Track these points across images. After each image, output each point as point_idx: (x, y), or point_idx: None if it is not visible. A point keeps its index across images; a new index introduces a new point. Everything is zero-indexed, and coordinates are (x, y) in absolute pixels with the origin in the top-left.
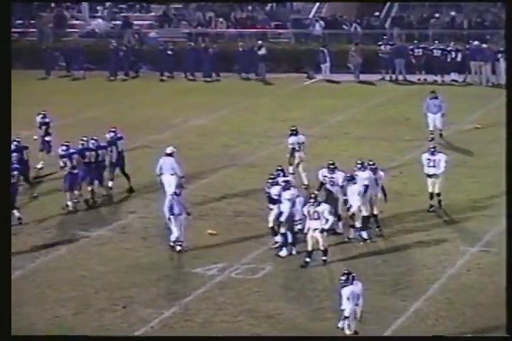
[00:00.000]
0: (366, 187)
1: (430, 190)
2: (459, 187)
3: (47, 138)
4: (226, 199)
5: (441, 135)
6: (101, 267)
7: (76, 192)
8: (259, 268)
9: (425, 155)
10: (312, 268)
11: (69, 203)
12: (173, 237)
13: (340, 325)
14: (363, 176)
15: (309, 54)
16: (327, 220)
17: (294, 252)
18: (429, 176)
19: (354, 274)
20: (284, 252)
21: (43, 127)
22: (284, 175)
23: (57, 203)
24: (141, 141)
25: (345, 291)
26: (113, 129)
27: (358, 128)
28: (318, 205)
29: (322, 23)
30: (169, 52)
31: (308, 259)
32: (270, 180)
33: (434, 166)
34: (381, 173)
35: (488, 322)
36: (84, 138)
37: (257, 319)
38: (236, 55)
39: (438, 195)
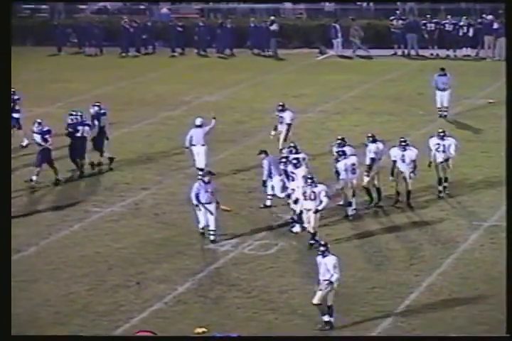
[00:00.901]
0: (372, 159)
1: (440, 175)
2: (473, 161)
3: (15, 115)
4: (239, 175)
5: (445, 115)
6: (114, 243)
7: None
8: (272, 244)
9: (434, 140)
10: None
11: (34, 178)
12: (200, 225)
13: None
14: (370, 148)
15: (321, 29)
16: (321, 202)
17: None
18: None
19: (328, 246)
20: (297, 228)
21: (11, 104)
22: (296, 152)
23: (72, 180)
24: (153, 118)
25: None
26: (97, 104)
27: (371, 103)
28: (316, 186)
29: None
30: (179, 28)
31: (312, 241)
32: (283, 159)
33: (444, 151)
34: (381, 147)
35: (501, 297)
36: (72, 113)
37: (270, 294)
38: (248, 30)
39: (446, 180)
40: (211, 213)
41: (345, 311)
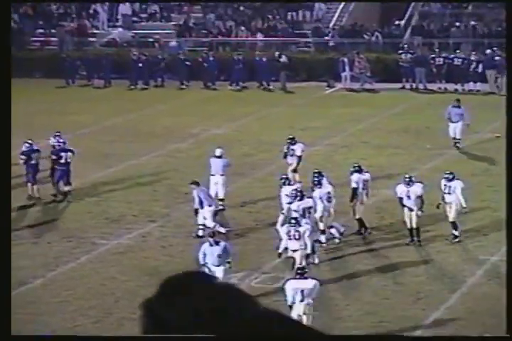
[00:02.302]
0: (353, 189)
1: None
2: (480, 196)
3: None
4: (246, 208)
5: (457, 147)
6: (120, 276)
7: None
8: (280, 277)
9: (442, 181)
10: (332, 278)
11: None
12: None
13: None
14: (353, 178)
15: (329, 63)
16: (305, 244)
17: (316, 261)
18: (446, 203)
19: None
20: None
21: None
22: (289, 184)
23: (79, 212)
24: (160, 150)
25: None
26: (57, 134)
27: (378, 137)
28: (300, 226)
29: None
30: (187, 62)
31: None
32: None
33: (449, 193)
34: (364, 177)
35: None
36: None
37: None
38: (256, 64)
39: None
40: (210, 214)
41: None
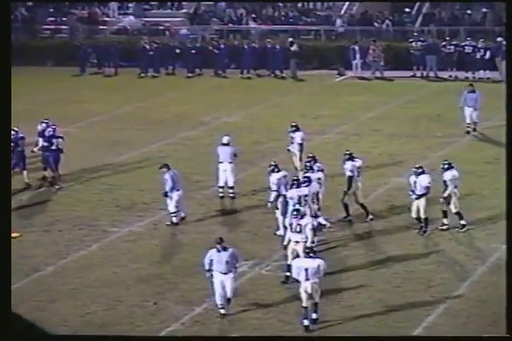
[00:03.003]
0: (349, 177)
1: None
2: (493, 184)
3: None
4: (257, 196)
5: (474, 129)
6: (132, 264)
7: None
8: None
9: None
10: (343, 265)
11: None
12: (217, 300)
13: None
14: (347, 166)
15: (340, 51)
16: (307, 237)
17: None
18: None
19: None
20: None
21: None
22: (278, 171)
23: (90, 199)
24: (171, 138)
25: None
26: (45, 121)
27: (389, 125)
28: (302, 218)
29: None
30: (194, 51)
31: (289, 273)
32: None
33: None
34: (357, 164)
35: None
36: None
37: (287, 315)
38: (267, 51)
39: (459, 215)
40: (227, 285)
41: (363, 333)
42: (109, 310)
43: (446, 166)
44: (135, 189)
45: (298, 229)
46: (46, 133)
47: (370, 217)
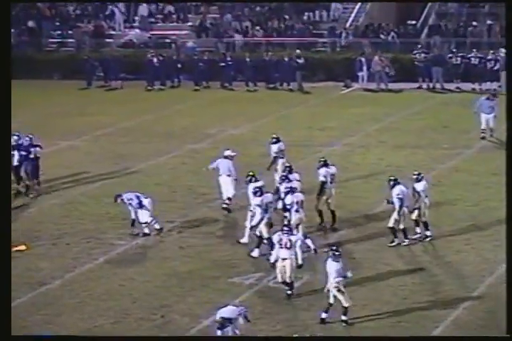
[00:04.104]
0: (322, 183)
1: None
2: (499, 195)
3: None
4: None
5: (491, 135)
6: (138, 276)
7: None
8: (297, 278)
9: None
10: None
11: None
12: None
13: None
14: (320, 172)
15: (346, 63)
16: (296, 253)
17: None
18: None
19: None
20: (255, 253)
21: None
22: (256, 181)
23: (97, 213)
24: (178, 151)
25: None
26: (17, 133)
27: (396, 136)
28: (292, 234)
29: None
30: (201, 64)
31: (289, 292)
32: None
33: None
34: (331, 171)
35: None
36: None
37: (294, 328)
38: (273, 64)
39: (425, 225)
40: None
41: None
42: (116, 323)
43: (418, 177)
44: None
45: (288, 245)
46: (23, 143)
47: (335, 225)
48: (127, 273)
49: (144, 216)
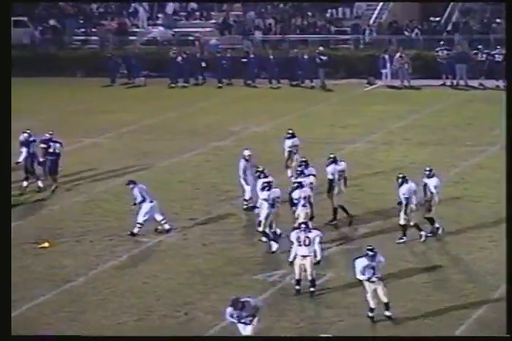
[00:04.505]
0: (330, 180)
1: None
2: None
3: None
4: (286, 206)
5: None
6: (162, 274)
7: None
8: (321, 275)
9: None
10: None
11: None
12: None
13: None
14: (328, 170)
15: (369, 60)
16: (315, 250)
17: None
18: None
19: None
20: (274, 247)
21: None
22: (265, 176)
23: (120, 210)
24: (201, 148)
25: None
26: (27, 131)
27: (419, 134)
28: (310, 231)
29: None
30: (224, 61)
31: (298, 287)
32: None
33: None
34: (339, 168)
35: None
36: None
37: (318, 326)
38: (296, 61)
39: (431, 221)
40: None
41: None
42: (140, 321)
43: (430, 173)
44: (165, 199)
45: (306, 243)
46: (43, 137)
47: (335, 222)
48: (151, 271)
49: (140, 216)
